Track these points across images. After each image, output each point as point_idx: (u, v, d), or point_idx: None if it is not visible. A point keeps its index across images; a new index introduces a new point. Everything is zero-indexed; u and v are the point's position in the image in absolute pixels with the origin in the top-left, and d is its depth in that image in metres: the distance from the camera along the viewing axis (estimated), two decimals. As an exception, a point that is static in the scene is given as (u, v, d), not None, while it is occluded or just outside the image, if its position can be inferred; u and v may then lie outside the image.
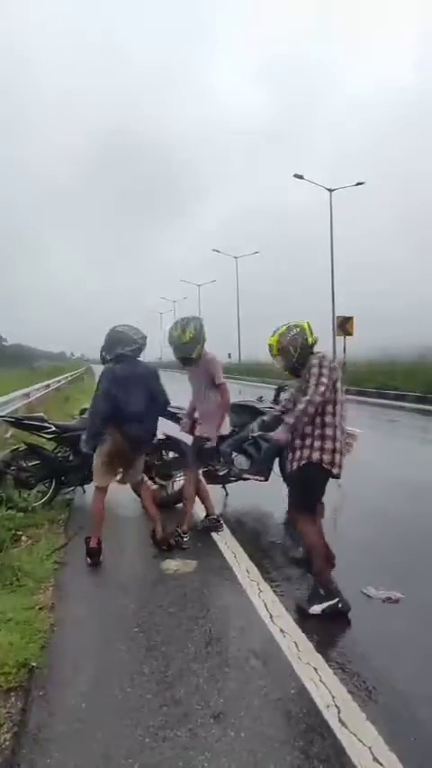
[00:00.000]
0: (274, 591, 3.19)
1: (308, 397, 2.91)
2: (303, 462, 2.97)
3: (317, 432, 2.97)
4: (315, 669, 2.38)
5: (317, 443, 2.96)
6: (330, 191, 25.15)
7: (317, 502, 3.13)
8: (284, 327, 3.17)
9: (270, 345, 3.18)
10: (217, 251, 41.52)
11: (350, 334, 23.98)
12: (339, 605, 2.89)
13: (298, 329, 3.12)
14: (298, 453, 3.00)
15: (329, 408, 2.99)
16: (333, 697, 2.18)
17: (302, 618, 2.85)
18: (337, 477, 3.01)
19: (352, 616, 2.90)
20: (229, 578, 3.40)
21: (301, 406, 2.93)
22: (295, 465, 3.01)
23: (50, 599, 3.10)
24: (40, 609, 2.95)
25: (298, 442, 3.00)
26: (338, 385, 3.02)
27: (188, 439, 4.45)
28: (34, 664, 2.43)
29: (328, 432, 2.97)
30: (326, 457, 2.95)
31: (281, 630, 2.72)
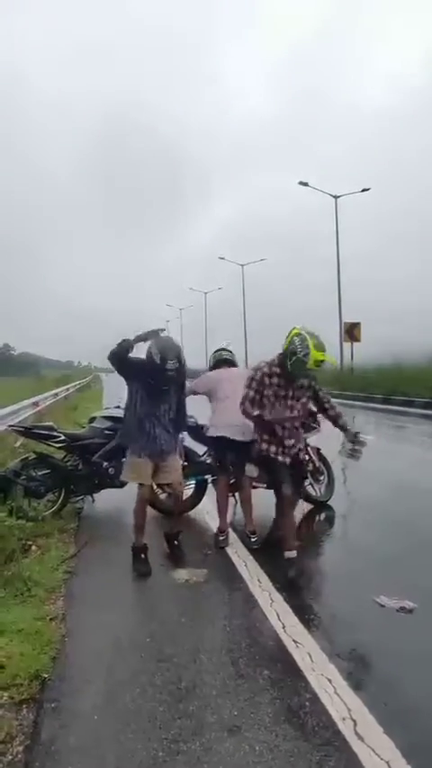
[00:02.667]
0: (286, 601, 3.15)
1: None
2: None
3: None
4: (329, 681, 2.35)
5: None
6: (336, 197, 25.21)
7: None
8: (313, 338, 3.50)
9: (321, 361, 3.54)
10: (223, 258, 41.69)
11: (358, 339, 23.98)
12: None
13: (300, 339, 3.55)
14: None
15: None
16: (349, 709, 2.15)
17: (314, 627, 2.82)
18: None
19: (365, 626, 2.86)
20: (240, 588, 3.37)
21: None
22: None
23: (61, 609, 3.09)
24: (50, 619, 2.94)
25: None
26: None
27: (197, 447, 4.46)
28: (46, 675, 2.41)
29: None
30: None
31: (294, 641, 2.69)
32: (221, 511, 4.27)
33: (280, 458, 3.67)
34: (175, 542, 3.95)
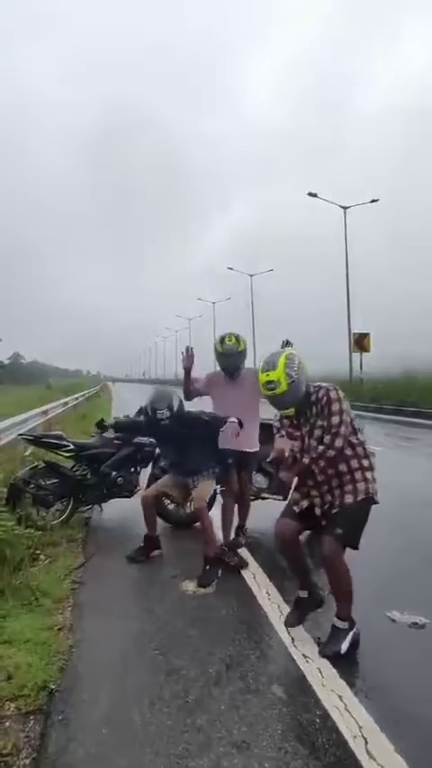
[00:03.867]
0: (296, 614, 3.11)
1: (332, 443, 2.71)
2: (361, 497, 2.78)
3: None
4: (340, 697, 2.30)
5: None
6: (344, 208, 25.30)
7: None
8: (283, 357, 2.76)
9: (275, 382, 2.72)
10: (231, 269, 41.89)
11: (367, 350, 23.91)
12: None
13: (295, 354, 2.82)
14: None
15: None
16: (360, 727, 2.11)
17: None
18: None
19: (377, 641, 2.82)
20: (249, 600, 3.34)
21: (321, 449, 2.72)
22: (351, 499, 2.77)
23: (69, 619, 3.07)
24: (58, 629, 2.92)
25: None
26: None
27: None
28: (53, 686, 2.40)
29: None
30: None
31: (303, 656, 2.65)
32: (226, 524, 4.17)
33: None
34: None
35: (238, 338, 4.06)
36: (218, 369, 4.25)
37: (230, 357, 4.05)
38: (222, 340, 4.07)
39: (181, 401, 3.80)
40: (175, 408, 3.66)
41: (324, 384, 2.87)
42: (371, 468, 2.84)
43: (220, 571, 3.65)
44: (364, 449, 2.86)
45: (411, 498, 5.94)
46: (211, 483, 3.96)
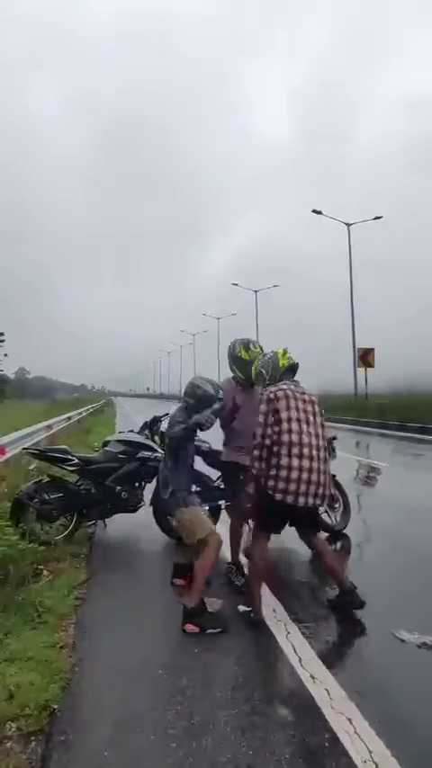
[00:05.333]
0: (303, 633, 3.05)
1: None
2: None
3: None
4: (349, 720, 2.24)
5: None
6: (348, 225, 25.51)
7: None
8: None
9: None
10: (236, 285, 42.14)
11: (371, 365, 23.86)
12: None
13: (272, 353, 3.51)
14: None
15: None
16: (370, 752, 2.04)
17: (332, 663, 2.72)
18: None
19: (385, 661, 2.75)
20: (254, 619, 3.27)
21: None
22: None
23: (72, 637, 3.02)
24: (61, 647, 2.87)
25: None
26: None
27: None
28: (55, 706, 2.34)
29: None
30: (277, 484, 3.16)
31: (311, 676, 2.58)
32: (233, 542, 4.04)
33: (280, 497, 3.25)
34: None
35: (261, 347, 3.89)
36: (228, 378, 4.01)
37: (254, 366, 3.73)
38: (247, 346, 3.87)
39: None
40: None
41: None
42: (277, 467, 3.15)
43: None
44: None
45: (418, 516, 5.87)
46: (197, 510, 3.38)
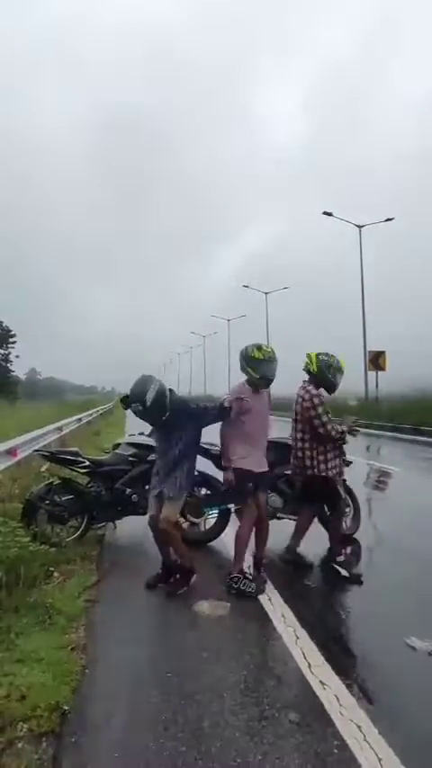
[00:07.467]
0: (312, 638, 3.05)
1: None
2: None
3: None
4: (359, 727, 2.24)
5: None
6: (359, 227, 25.39)
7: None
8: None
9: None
10: (247, 286, 42.11)
11: (383, 368, 23.71)
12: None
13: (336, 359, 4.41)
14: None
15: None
16: (379, 759, 2.04)
17: (342, 667, 2.71)
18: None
19: (395, 669, 2.74)
20: (263, 623, 3.28)
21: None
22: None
23: (82, 638, 3.04)
24: (71, 649, 2.90)
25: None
26: None
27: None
28: (66, 707, 2.37)
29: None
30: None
31: (320, 682, 2.58)
32: (241, 549, 3.91)
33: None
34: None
35: (272, 348, 4.04)
36: (242, 382, 4.09)
37: (274, 362, 3.96)
38: (260, 347, 3.99)
39: (161, 389, 3.68)
40: (150, 399, 3.61)
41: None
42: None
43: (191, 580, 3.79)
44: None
45: (429, 521, 5.82)
46: (178, 506, 3.80)
